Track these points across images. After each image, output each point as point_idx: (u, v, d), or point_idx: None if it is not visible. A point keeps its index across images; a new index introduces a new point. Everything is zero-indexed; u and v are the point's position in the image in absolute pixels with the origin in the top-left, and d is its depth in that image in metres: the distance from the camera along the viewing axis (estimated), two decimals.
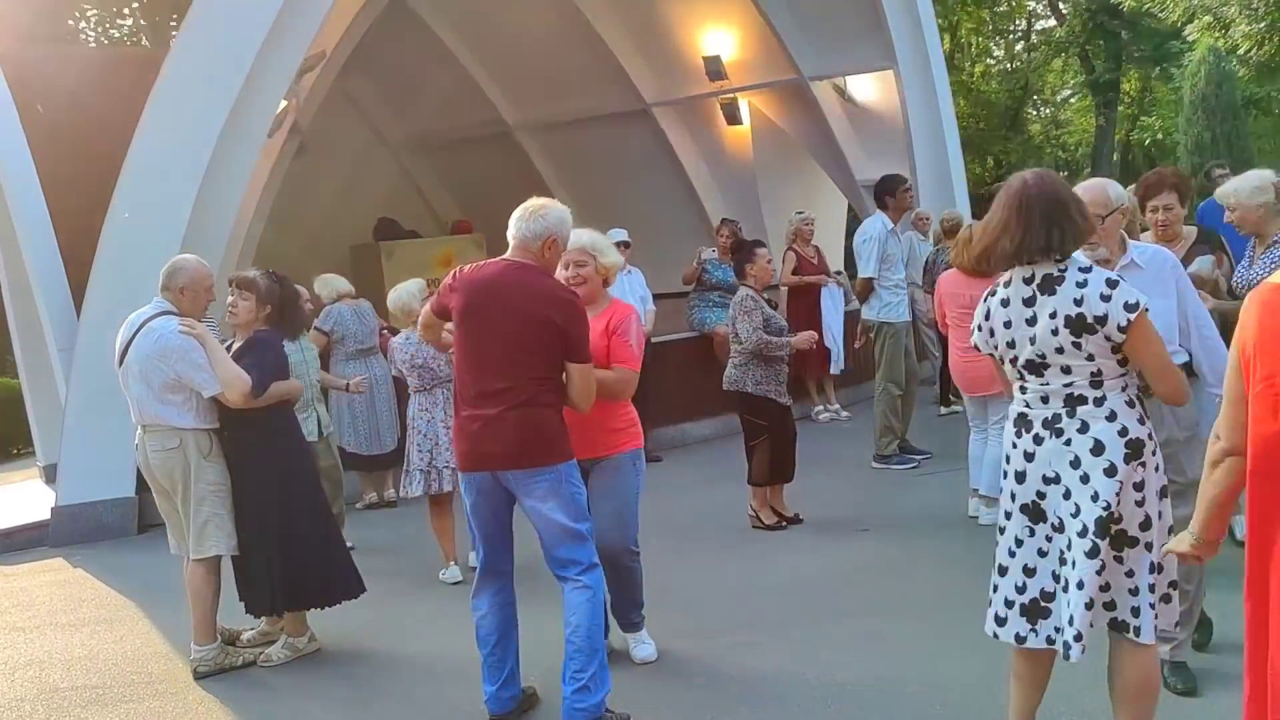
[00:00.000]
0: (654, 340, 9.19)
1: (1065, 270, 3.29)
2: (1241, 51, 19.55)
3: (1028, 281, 3.34)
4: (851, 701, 4.16)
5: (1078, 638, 3.18)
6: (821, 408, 9.95)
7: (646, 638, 4.82)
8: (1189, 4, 19.33)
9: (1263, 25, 17.62)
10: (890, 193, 7.96)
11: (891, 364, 7.71)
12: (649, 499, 7.27)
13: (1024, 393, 3.40)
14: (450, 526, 6.27)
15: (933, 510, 6.66)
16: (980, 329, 3.50)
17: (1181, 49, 28.79)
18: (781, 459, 6.58)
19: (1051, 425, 3.32)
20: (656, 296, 11.68)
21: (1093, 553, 3.18)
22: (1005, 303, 3.39)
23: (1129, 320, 3.16)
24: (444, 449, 6.11)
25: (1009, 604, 3.41)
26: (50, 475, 10.13)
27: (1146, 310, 3.20)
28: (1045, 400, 3.34)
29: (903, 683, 4.27)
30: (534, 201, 4.29)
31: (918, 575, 5.55)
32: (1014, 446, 3.41)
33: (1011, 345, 3.38)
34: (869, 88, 13.02)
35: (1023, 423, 3.39)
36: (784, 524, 6.64)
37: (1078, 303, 3.22)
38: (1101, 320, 3.18)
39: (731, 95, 13.59)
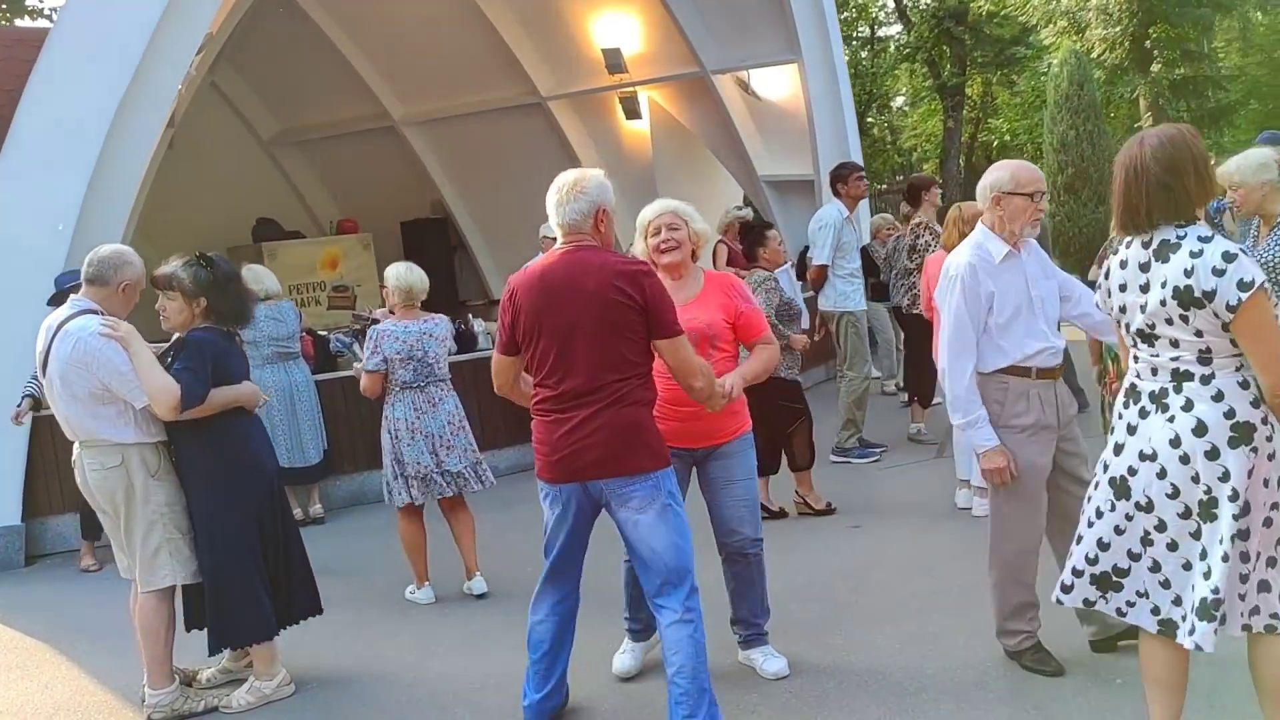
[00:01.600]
0: None
1: (1184, 237, 3.08)
2: (1095, 55, 20.40)
3: (1145, 245, 3.14)
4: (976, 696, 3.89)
5: (1209, 618, 2.99)
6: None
7: (773, 649, 4.39)
8: (1047, 8, 20.07)
9: (1117, 30, 18.40)
10: (842, 180, 7.83)
11: (855, 354, 7.51)
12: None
13: (1136, 362, 3.23)
14: (425, 542, 5.73)
15: (918, 504, 6.47)
16: (1100, 286, 3.34)
17: (1024, 55, 30.21)
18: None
19: (1158, 400, 3.14)
20: None
21: (1213, 537, 3.04)
22: (1124, 264, 3.21)
23: (1240, 299, 2.96)
24: (458, 453, 5.64)
25: (1077, 572, 3.33)
26: None
27: (1265, 290, 3.01)
28: (1155, 373, 3.17)
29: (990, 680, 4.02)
30: (565, 178, 3.85)
31: (935, 571, 5.31)
32: (1119, 417, 3.26)
33: (1124, 310, 3.21)
34: (772, 81, 12.87)
35: (1131, 394, 3.24)
36: (831, 508, 6.49)
37: (1188, 273, 3.02)
38: (1210, 295, 2.98)
39: (631, 89, 13.25)
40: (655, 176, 13.90)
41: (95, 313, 4.43)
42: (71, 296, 4.56)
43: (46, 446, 7.67)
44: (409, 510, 5.66)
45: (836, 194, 7.81)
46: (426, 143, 14.76)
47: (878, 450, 7.66)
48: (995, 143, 32.21)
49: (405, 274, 5.72)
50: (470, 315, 9.97)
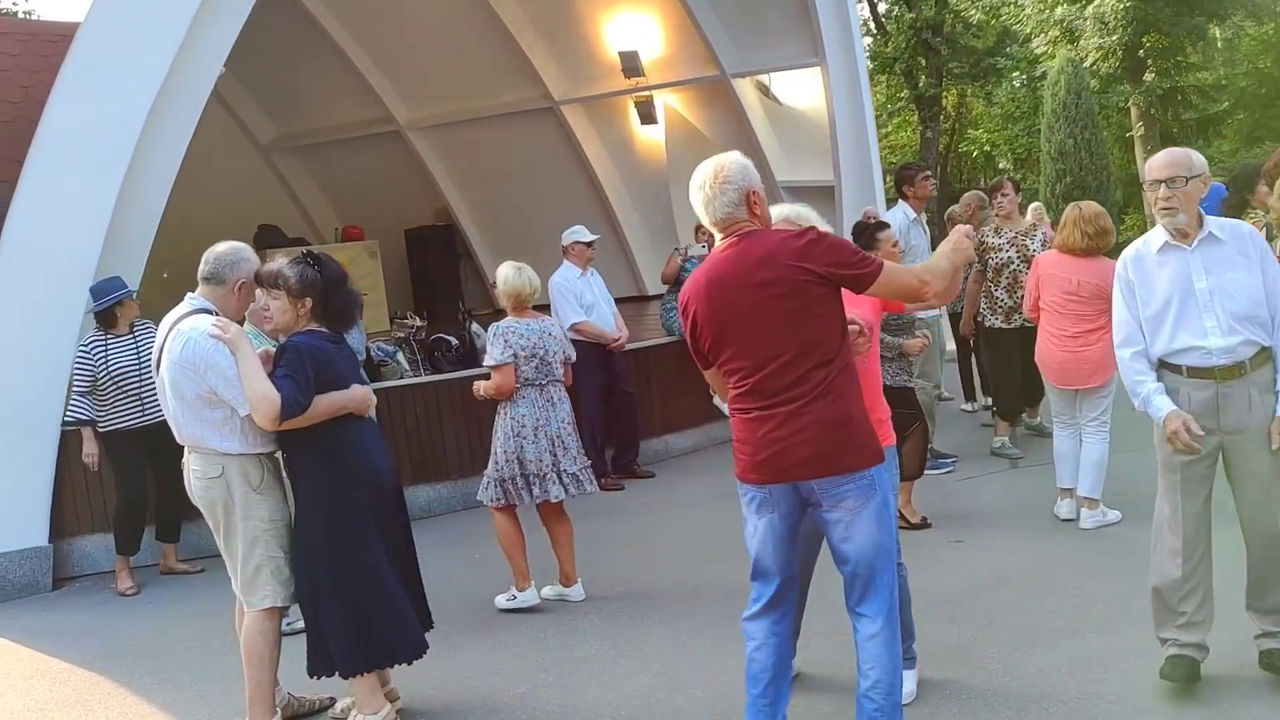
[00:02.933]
0: (631, 348, 8.52)
1: None
2: (1089, 64, 20.43)
3: None
4: None
5: None
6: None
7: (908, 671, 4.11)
8: (1040, 17, 20.09)
9: (1113, 39, 18.42)
10: (909, 180, 7.59)
11: (926, 363, 7.26)
12: (686, 520, 6.55)
13: None
14: (524, 540, 5.49)
15: (1014, 516, 6.20)
16: None
17: (1002, 65, 30.36)
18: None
19: None
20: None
21: None
22: None
23: None
24: (571, 452, 5.43)
25: None
26: None
27: None
28: None
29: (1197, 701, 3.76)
30: (704, 172, 3.51)
31: (1067, 587, 5.05)
32: None
33: None
34: (793, 85, 12.66)
35: None
36: (927, 522, 6.20)
37: None
38: None
39: (647, 93, 12.99)
40: (670, 183, 13.63)
41: (210, 312, 4.11)
42: (188, 295, 4.22)
43: (75, 465, 7.23)
44: (506, 508, 5.43)
45: (903, 196, 7.58)
46: (432, 148, 14.39)
47: (950, 461, 7.41)
48: (974, 153, 32.37)
49: (514, 277, 5.49)
50: (474, 323, 9.54)
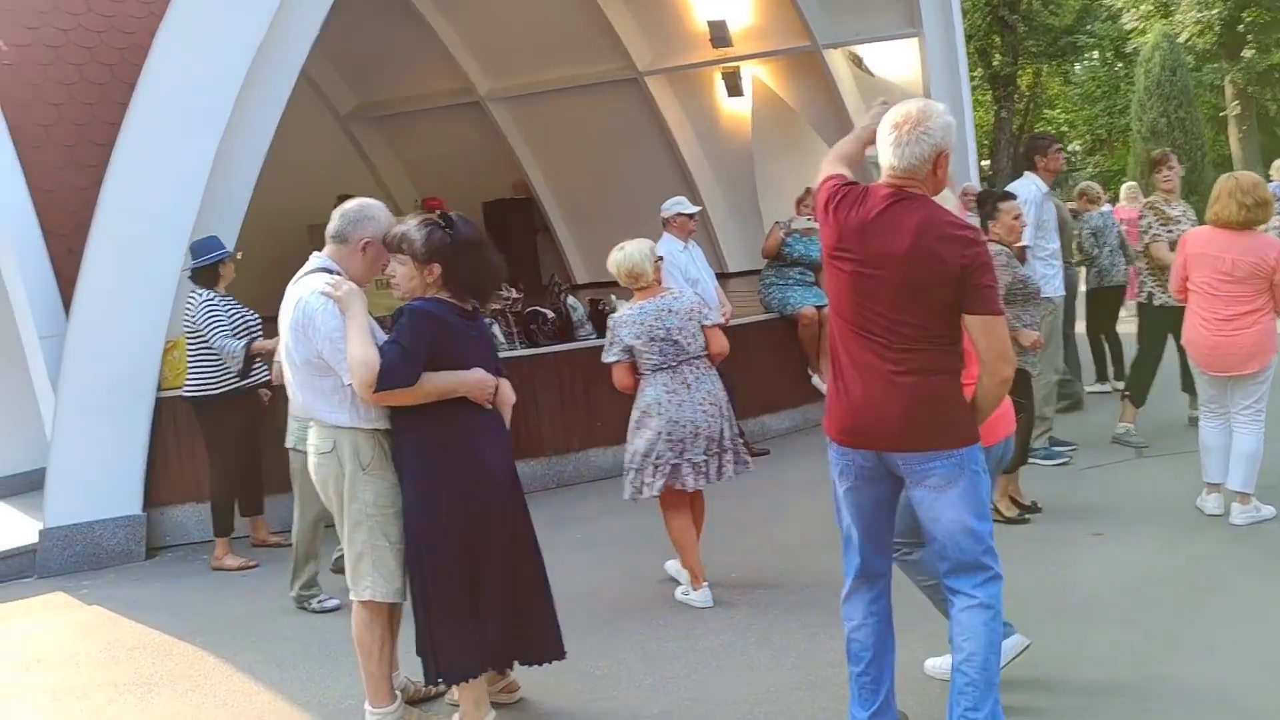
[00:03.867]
0: (731, 324, 8.23)
1: None
2: (1184, 39, 19.70)
3: None
4: None
5: None
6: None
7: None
8: None
9: (1213, 12, 17.72)
10: (1040, 152, 7.18)
11: (1049, 344, 6.88)
12: (798, 503, 6.20)
13: None
14: (695, 536, 5.16)
15: (1155, 509, 5.83)
16: None
17: (1083, 43, 29.51)
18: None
19: None
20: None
21: None
22: None
23: None
24: (702, 438, 5.03)
25: None
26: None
27: None
28: None
29: None
30: (906, 112, 3.29)
31: (1229, 586, 4.70)
32: None
33: None
34: (887, 57, 12.25)
35: None
36: (1026, 516, 5.84)
37: None
38: None
39: (735, 64, 12.64)
40: (754, 156, 13.31)
41: (330, 273, 3.86)
42: (314, 254, 3.98)
43: (168, 432, 7.12)
44: (674, 501, 5.12)
45: (1033, 167, 7.17)
46: (512, 119, 14.16)
47: (1067, 450, 7.04)
48: (1050, 133, 31.46)
49: (622, 259, 5.12)
50: (569, 296, 9.26)
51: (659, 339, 5.02)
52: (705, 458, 5.04)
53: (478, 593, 3.80)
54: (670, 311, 5.06)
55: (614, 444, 8.09)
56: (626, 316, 5.07)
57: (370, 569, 3.87)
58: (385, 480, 3.85)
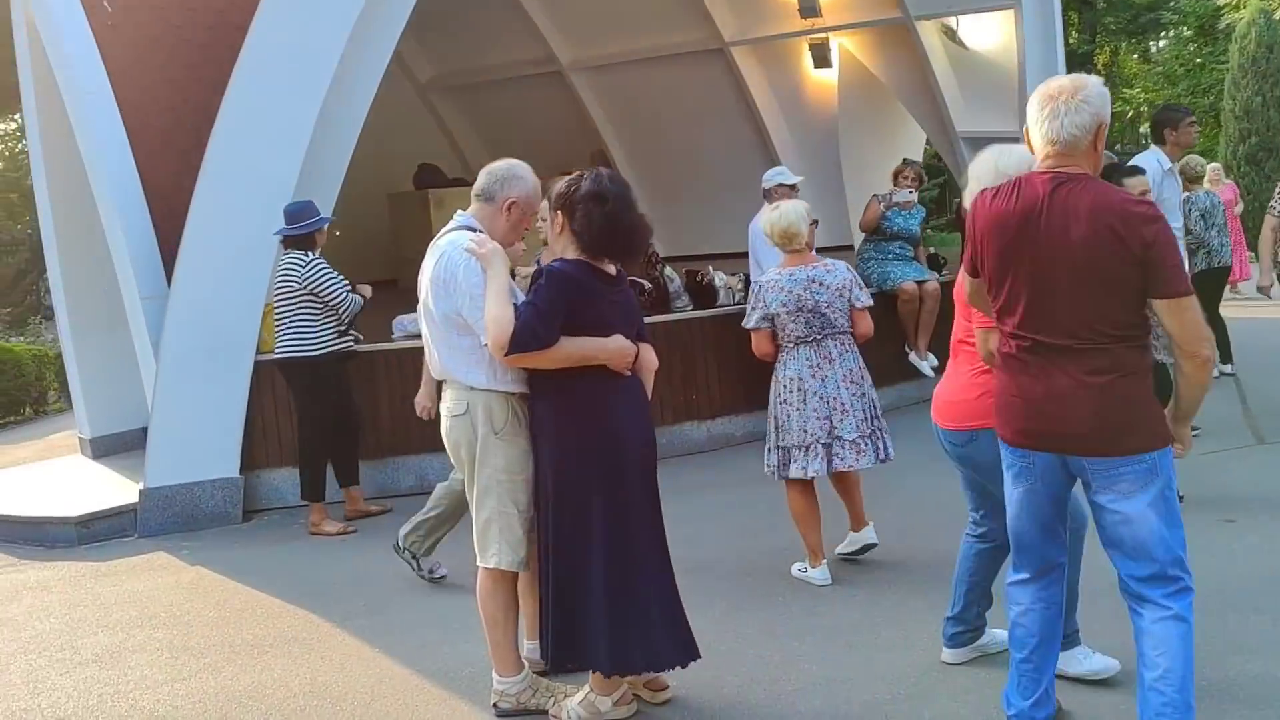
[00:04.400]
0: None
1: None
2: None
3: None
4: None
5: None
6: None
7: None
8: None
9: None
10: (1171, 125, 6.76)
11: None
12: (910, 483, 6.03)
13: None
14: (818, 512, 5.02)
15: None
16: None
17: (1167, 20, 28.70)
18: None
19: None
20: (719, 256, 10.60)
21: None
22: None
23: None
24: (850, 416, 4.87)
25: None
26: (97, 450, 8.59)
27: None
28: None
29: None
30: (1060, 84, 3.12)
31: None
32: None
33: None
34: (980, 29, 11.92)
35: None
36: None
37: None
38: None
39: (824, 35, 12.36)
40: (839, 130, 13.04)
41: (473, 230, 3.80)
42: (458, 212, 3.91)
43: (266, 395, 7.13)
44: (803, 480, 4.98)
45: (1160, 140, 6.82)
46: (592, 90, 13.99)
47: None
48: (1129, 114, 30.71)
49: (777, 218, 4.95)
50: (666, 266, 9.15)
51: (806, 310, 4.85)
52: (857, 436, 4.88)
53: (569, 582, 3.67)
54: (822, 284, 4.88)
55: (709, 418, 8.02)
56: (774, 281, 4.89)
57: (497, 536, 3.79)
58: (517, 446, 3.77)
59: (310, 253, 6.48)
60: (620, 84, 13.76)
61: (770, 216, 4.97)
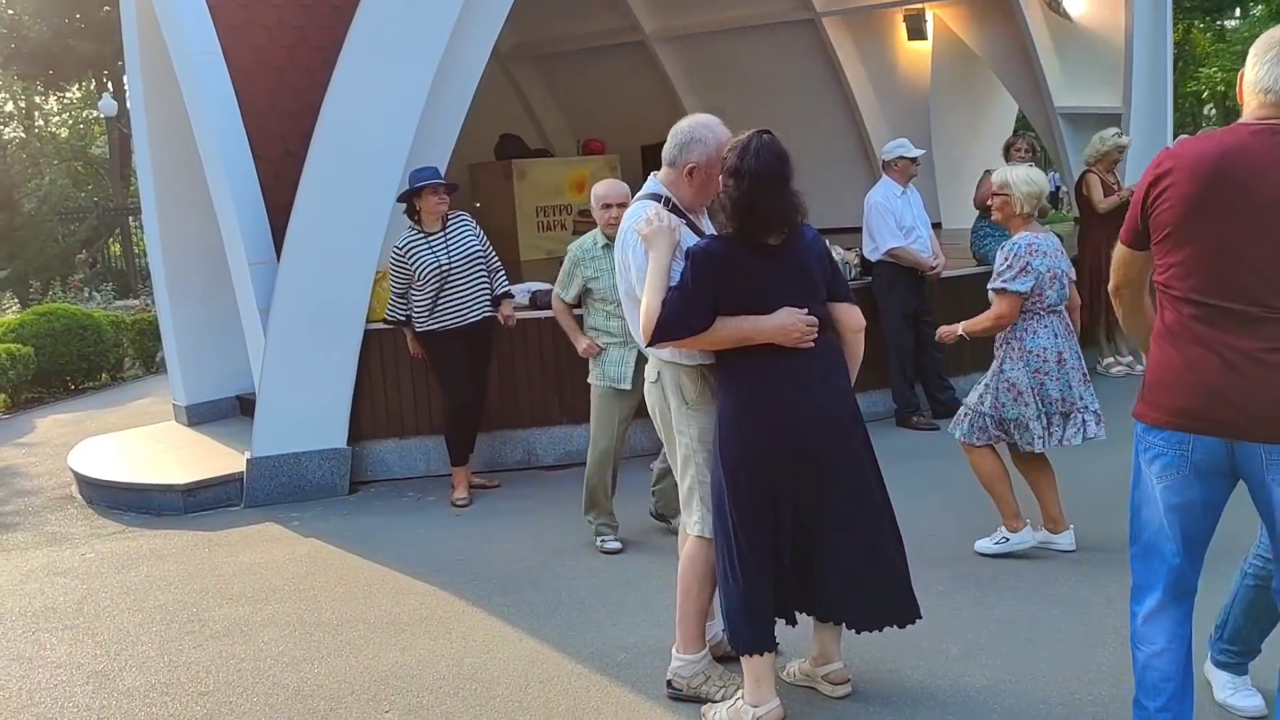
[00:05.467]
0: (944, 276, 7.81)
1: None
2: None
3: None
4: None
5: None
6: (1113, 359, 8.57)
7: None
8: None
9: None
10: None
11: None
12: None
13: None
14: (1007, 476, 4.87)
15: None
16: None
17: None
18: None
19: None
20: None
21: None
22: None
23: None
24: (1082, 384, 4.73)
25: None
26: (192, 417, 8.50)
27: None
28: None
29: None
30: (1276, 34, 2.80)
31: None
32: None
33: None
34: (1084, 0, 11.51)
35: None
36: None
37: None
38: None
39: (920, 6, 12.03)
40: (930, 103, 12.71)
41: (659, 198, 3.60)
42: (651, 175, 3.71)
43: (374, 365, 6.97)
44: (986, 445, 4.83)
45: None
46: (677, 61, 13.74)
47: None
48: (1205, 92, 29.95)
49: (1033, 186, 4.72)
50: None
51: (1058, 276, 4.70)
52: (1093, 409, 4.77)
53: (731, 565, 3.45)
54: (1061, 252, 4.76)
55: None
56: (1038, 245, 4.66)
57: (699, 504, 3.65)
58: (712, 416, 3.58)
59: (417, 227, 6.37)
60: (705, 55, 13.51)
61: (1027, 183, 4.70)
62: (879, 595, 3.54)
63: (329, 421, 6.86)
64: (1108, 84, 11.41)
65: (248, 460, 6.80)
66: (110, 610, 5.14)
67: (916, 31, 12.25)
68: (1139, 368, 8.54)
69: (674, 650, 3.77)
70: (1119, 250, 3.05)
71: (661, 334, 3.35)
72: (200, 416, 8.47)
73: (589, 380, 5.49)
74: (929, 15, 12.20)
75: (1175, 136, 13.78)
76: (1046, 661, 3.85)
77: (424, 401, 7.03)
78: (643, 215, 3.53)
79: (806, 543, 3.46)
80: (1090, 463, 5.60)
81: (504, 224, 12.13)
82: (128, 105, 11.44)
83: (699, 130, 3.58)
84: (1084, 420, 4.69)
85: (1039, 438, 4.68)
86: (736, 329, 3.36)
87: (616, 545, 5.36)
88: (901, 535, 3.63)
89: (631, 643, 4.28)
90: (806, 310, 3.40)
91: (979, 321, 4.77)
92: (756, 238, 3.39)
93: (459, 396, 6.46)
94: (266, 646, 4.56)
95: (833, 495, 3.45)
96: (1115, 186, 8.39)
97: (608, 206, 5.26)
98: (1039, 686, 3.68)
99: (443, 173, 6.76)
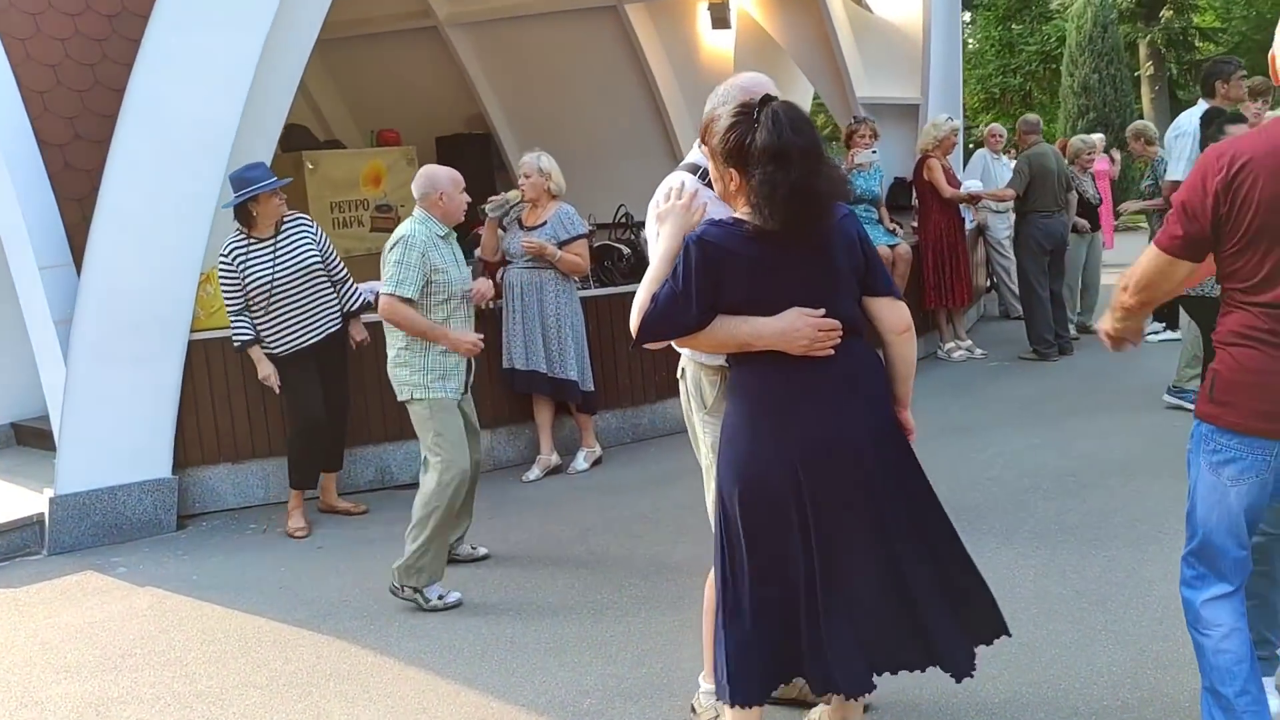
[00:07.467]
0: None
1: None
2: None
3: None
4: None
5: None
6: (954, 344, 8.66)
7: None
8: None
9: None
10: (1223, 77, 6.42)
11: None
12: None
13: None
14: None
15: None
16: None
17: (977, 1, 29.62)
18: None
19: None
20: (609, 226, 10.08)
21: None
22: None
23: None
24: None
25: None
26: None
27: None
28: None
29: None
30: None
31: None
32: None
33: None
34: None
35: None
36: None
37: None
38: None
39: None
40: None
41: (697, 170, 3.14)
42: (697, 143, 3.15)
43: (200, 379, 6.06)
44: None
45: (1211, 94, 6.48)
46: (472, 47, 13.03)
47: None
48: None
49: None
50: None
51: None
52: None
53: (726, 602, 2.88)
54: None
55: None
56: None
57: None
58: None
59: (247, 233, 5.60)
60: (501, 41, 12.88)
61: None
62: (916, 637, 2.92)
63: (149, 448, 5.89)
64: (905, 75, 11.71)
65: (49, 499, 5.74)
66: None
67: (720, 21, 12.12)
68: (979, 352, 8.69)
69: (700, 679, 3.35)
70: (1156, 261, 2.76)
71: (645, 332, 2.79)
72: None
73: (416, 395, 4.67)
74: (732, 4, 12.09)
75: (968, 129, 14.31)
76: (1075, 679, 3.61)
77: (260, 419, 6.18)
78: (661, 193, 3.03)
79: (813, 599, 2.83)
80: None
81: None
82: None
83: (732, 91, 3.08)
84: None
85: None
86: (734, 332, 2.79)
87: (456, 596, 4.65)
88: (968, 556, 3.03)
89: (593, 686, 3.75)
90: (824, 311, 2.80)
91: None
92: (779, 224, 2.74)
93: (306, 411, 5.67)
94: None
95: (837, 542, 2.81)
96: (951, 171, 8.48)
97: None
98: (1071, 698, 3.42)
99: (270, 154, 6.00)
